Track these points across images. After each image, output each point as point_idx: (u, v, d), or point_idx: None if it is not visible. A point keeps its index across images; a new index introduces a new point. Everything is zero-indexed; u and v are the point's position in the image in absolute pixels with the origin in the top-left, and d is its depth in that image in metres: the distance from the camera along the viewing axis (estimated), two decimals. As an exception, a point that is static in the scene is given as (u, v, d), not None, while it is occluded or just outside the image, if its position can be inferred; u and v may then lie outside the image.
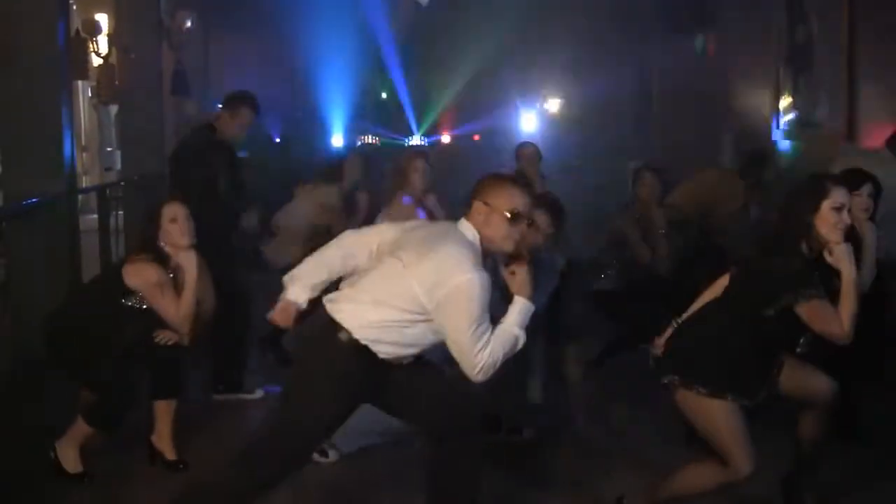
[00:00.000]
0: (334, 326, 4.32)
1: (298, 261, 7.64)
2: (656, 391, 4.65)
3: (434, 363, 4.69)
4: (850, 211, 4.54)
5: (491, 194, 4.44)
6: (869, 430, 6.17)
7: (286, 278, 4.67)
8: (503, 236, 4.41)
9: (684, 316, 4.76)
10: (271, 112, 18.65)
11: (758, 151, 9.05)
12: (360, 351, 4.31)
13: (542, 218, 6.11)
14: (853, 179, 5.56)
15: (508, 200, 4.41)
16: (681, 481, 4.63)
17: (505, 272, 4.46)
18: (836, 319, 4.40)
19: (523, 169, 8.68)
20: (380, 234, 4.69)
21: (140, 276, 5.63)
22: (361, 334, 4.29)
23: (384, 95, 21.39)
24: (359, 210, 8.19)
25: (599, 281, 7.45)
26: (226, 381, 7.29)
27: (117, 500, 5.39)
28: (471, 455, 4.59)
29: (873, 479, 5.58)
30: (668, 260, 7.49)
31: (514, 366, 6.12)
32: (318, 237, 8.01)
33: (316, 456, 5.61)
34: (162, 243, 5.71)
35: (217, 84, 17.61)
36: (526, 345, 4.43)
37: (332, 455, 5.83)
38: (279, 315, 4.58)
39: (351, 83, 19.17)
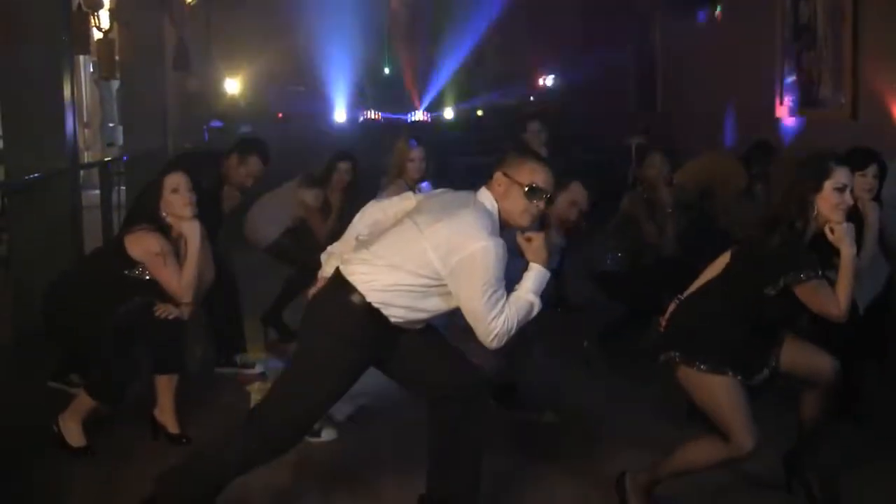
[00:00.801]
0: (346, 289, 4.33)
1: (276, 241, 7.74)
2: (659, 369, 4.66)
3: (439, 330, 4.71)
4: (852, 191, 4.54)
5: (513, 167, 4.45)
6: (871, 410, 6.17)
7: (323, 256, 4.73)
8: (521, 210, 4.41)
9: (686, 293, 4.76)
10: (273, 87, 18.68)
11: (764, 141, 9.05)
12: (372, 314, 4.32)
13: (580, 193, 6.09)
14: (859, 159, 5.56)
15: (529, 175, 4.41)
16: (682, 458, 4.63)
17: (520, 238, 4.45)
18: (833, 300, 4.41)
19: (528, 143, 8.66)
20: (402, 201, 4.71)
21: (142, 245, 5.63)
22: (374, 298, 4.30)
23: (387, 70, 21.34)
24: (333, 209, 8.22)
25: (606, 263, 7.45)
26: (227, 355, 7.31)
27: (120, 473, 5.39)
28: (475, 420, 4.60)
29: (874, 459, 5.58)
30: (675, 240, 7.48)
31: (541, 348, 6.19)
32: (295, 224, 8.13)
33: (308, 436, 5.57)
34: (164, 213, 5.70)
35: (219, 59, 17.57)
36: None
37: (325, 434, 5.78)
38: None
39: (353, 58, 19.11)
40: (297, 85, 19.00)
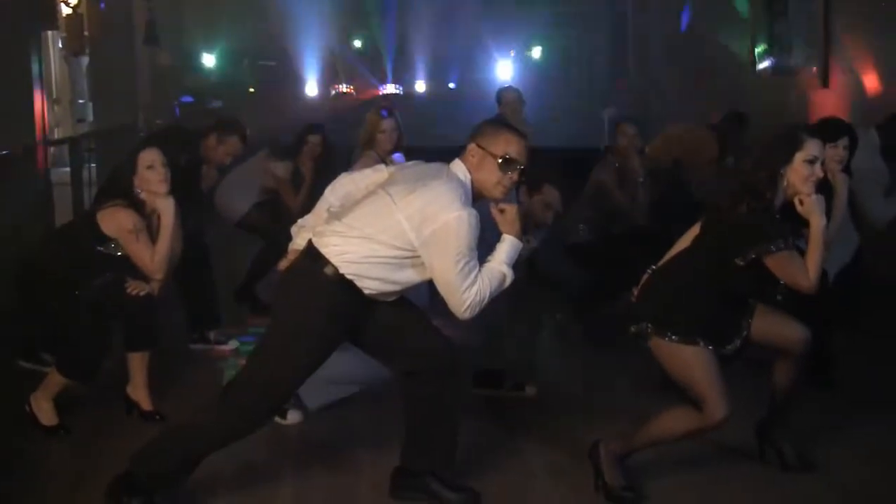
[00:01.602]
0: (320, 261, 4.32)
1: (247, 214, 7.72)
2: (633, 340, 4.66)
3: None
4: (823, 163, 4.54)
5: (487, 138, 4.44)
6: (843, 377, 6.20)
7: (293, 228, 4.73)
8: (494, 182, 4.41)
9: (658, 264, 4.76)
10: (245, 61, 18.59)
11: (735, 112, 9.07)
12: (345, 286, 4.31)
13: (552, 194, 6.11)
14: (831, 130, 5.57)
15: (503, 146, 4.40)
16: (656, 427, 4.64)
17: (494, 210, 4.45)
18: (802, 271, 4.42)
19: (505, 114, 8.64)
20: (374, 173, 4.69)
21: (115, 221, 5.59)
22: (347, 269, 4.29)
23: (358, 43, 21.25)
24: (304, 181, 8.21)
25: (578, 233, 7.45)
26: (200, 331, 7.29)
27: (94, 451, 5.37)
28: (450, 393, 4.62)
29: (846, 426, 5.61)
30: (646, 209, 7.49)
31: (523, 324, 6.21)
32: (266, 198, 8.11)
33: (276, 417, 5.51)
34: (138, 189, 5.66)
35: (190, 33, 17.45)
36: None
37: (292, 416, 5.73)
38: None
39: (325, 31, 19.03)
40: (268, 59, 18.91)
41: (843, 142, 5.73)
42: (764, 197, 4.45)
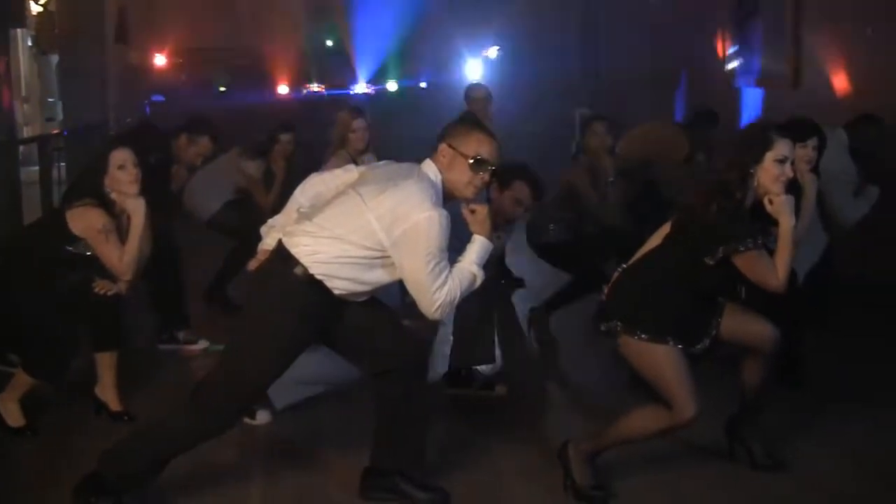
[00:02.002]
0: (290, 261, 4.30)
1: (217, 213, 7.69)
2: (603, 339, 4.67)
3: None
4: (793, 163, 4.56)
5: (458, 138, 4.44)
6: (813, 376, 6.23)
7: (263, 229, 4.72)
8: (465, 182, 4.41)
9: (629, 263, 4.77)
10: (216, 60, 18.52)
11: (706, 108, 9.09)
12: (315, 286, 4.30)
13: (523, 191, 6.11)
14: (800, 130, 5.60)
15: (475, 146, 4.40)
16: (625, 426, 4.65)
17: (465, 210, 4.45)
18: (771, 271, 4.44)
19: (473, 111, 8.63)
20: (344, 173, 4.68)
21: (84, 220, 5.55)
22: (318, 270, 4.28)
23: (329, 43, 21.22)
24: (276, 180, 8.20)
25: (549, 233, 7.45)
26: (169, 331, 7.25)
27: (62, 452, 5.34)
28: (419, 393, 4.63)
29: (815, 424, 5.64)
30: (617, 208, 7.49)
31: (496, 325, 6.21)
32: (237, 197, 8.09)
33: (245, 418, 5.47)
34: (108, 189, 5.63)
35: (161, 32, 17.39)
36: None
37: (261, 416, 5.69)
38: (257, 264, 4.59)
39: (296, 30, 18.99)
40: (240, 57, 18.87)
41: (813, 142, 5.75)
42: (734, 197, 4.46)
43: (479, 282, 4.39)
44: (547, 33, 16.92)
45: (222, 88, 18.40)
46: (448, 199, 4.41)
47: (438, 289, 4.22)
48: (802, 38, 10.05)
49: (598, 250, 7.09)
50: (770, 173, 4.48)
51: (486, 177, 4.44)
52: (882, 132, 6.70)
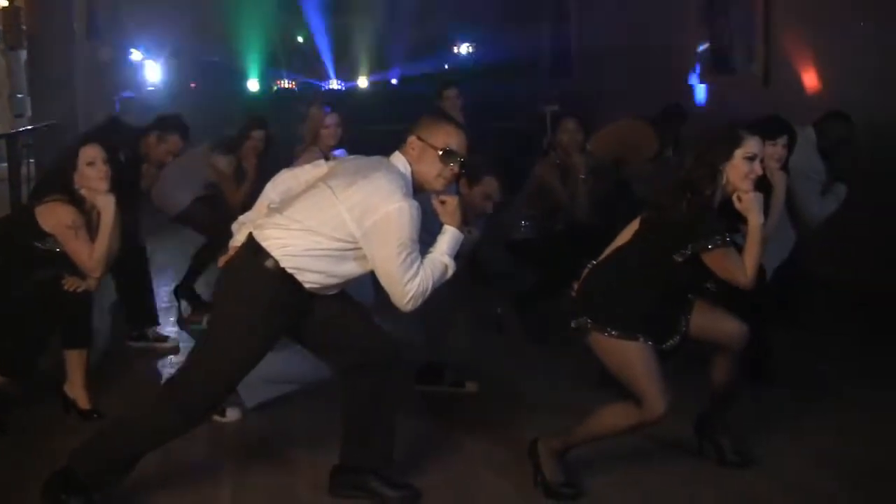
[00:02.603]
0: (260, 254, 4.30)
1: (187, 209, 7.66)
2: (574, 336, 4.67)
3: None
4: (762, 160, 4.58)
5: (427, 130, 4.46)
6: (783, 373, 6.27)
7: (234, 225, 4.70)
8: (435, 174, 4.44)
9: (598, 259, 4.78)
10: (186, 57, 18.43)
11: (675, 106, 9.12)
12: (286, 279, 4.30)
13: (493, 185, 6.12)
14: (771, 129, 5.62)
15: (444, 138, 4.43)
16: (595, 423, 4.65)
17: (435, 201, 4.46)
18: (740, 268, 4.46)
19: (446, 111, 8.62)
20: (314, 168, 4.69)
21: (54, 217, 5.53)
22: (288, 263, 4.28)
23: (300, 39, 21.17)
24: (247, 177, 8.17)
25: (519, 230, 7.45)
26: (139, 329, 7.22)
27: (31, 451, 5.30)
28: (389, 389, 4.63)
29: (785, 421, 5.67)
30: (588, 206, 7.50)
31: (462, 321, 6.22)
32: (207, 192, 8.07)
33: (214, 415, 5.48)
34: (78, 186, 5.60)
35: (131, 27, 17.27)
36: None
37: (231, 414, 5.69)
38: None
39: (266, 27, 18.94)
40: (210, 54, 18.79)
41: (783, 140, 5.79)
42: (703, 194, 4.47)
43: (450, 272, 4.40)
44: (520, 28, 16.90)
45: (192, 85, 18.34)
46: (418, 192, 4.43)
47: (410, 280, 4.23)
48: (773, 36, 10.09)
49: (569, 247, 7.09)
50: (739, 170, 4.50)
51: (456, 168, 4.46)
52: (851, 130, 6.73)
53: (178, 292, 8.26)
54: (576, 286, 4.76)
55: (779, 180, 5.39)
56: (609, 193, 7.84)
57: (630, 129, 8.77)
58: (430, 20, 19.38)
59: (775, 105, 7.25)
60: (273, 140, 8.35)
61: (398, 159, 4.45)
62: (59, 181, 5.68)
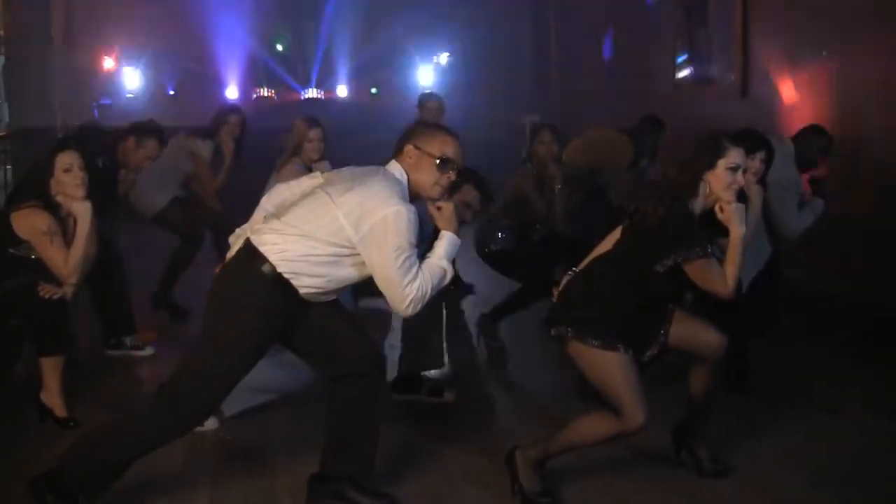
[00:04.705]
0: (257, 259, 4.29)
1: (164, 209, 7.61)
2: (553, 345, 4.68)
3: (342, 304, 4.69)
4: (744, 172, 4.60)
5: (423, 139, 4.48)
6: (760, 383, 6.30)
7: (231, 238, 4.66)
8: (431, 182, 4.46)
9: (579, 267, 4.78)
10: (164, 64, 18.38)
11: (651, 116, 9.15)
12: (282, 285, 4.29)
13: (471, 194, 6.13)
14: (750, 142, 5.66)
15: (440, 146, 4.46)
16: (574, 433, 4.65)
17: (431, 208, 4.47)
18: (720, 278, 4.48)
19: (426, 120, 8.63)
20: (309, 179, 4.70)
21: (29, 223, 5.52)
22: (285, 268, 4.28)
23: (280, 47, 21.15)
24: (224, 161, 8.27)
25: (496, 240, 7.45)
26: (117, 337, 7.18)
27: (6, 457, 5.26)
28: (374, 398, 4.61)
29: (762, 430, 5.68)
30: (564, 216, 7.51)
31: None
32: (184, 194, 8.06)
33: None
34: (54, 192, 5.58)
35: (109, 34, 17.24)
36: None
37: (209, 422, 5.57)
38: None
39: (245, 34, 18.92)
40: (190, 61, 18.75)
41: (761, 155, 5.84)
42: (684, 203, 4.49)
43: (448, 277, 4.42)
44: (499, 40, 16.93)
45: (171, 92, 18.30)
46: (413, 200, 4.43)
47: (409, 283, 4.23)
48: (751, 48, 10.14)
49: (546, 257, 7.10)
50: (722, 180, 4.51)
51: (453, 176, 4.49)
52: (829, 144, 6.77)
53: (156, 300, 8.23)
54: (556, 291, 4.77)
55: (755, 194, 5.42)
56: (585, 203, 7.85)
57: (604, 138, 8.77)
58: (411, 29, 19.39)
59: (753, 116, 7.30)
60: (247, 126, 8.42)
61: (394, 167, 4.47)
62: (35, 187, 5.66)
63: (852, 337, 7.50)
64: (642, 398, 4.44)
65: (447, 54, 19.70)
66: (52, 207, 5.58)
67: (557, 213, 7.45)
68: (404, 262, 4.21)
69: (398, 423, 5.71)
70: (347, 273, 4.38)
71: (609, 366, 4.49)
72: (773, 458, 5.31)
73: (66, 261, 5.55)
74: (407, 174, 4.45)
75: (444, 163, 4.44)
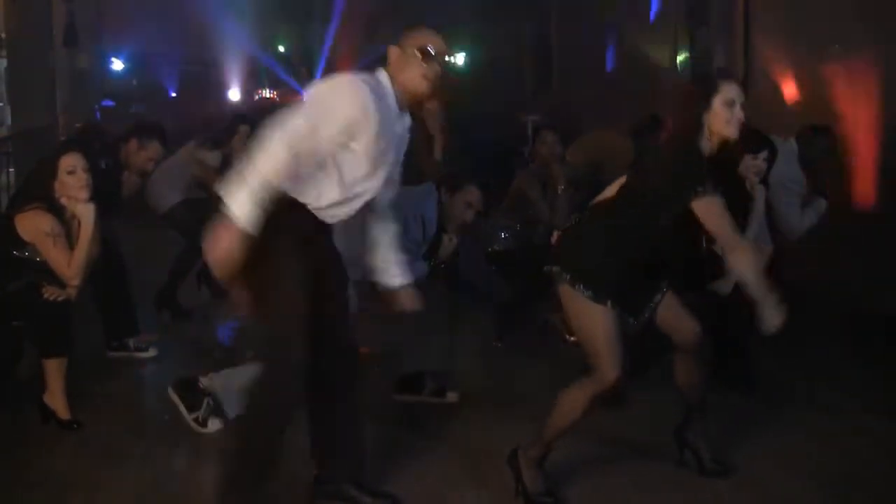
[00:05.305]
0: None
1: (174, 208, 7.63)
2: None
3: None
4: (742, 107, 4.52)
5: (404, 38, 4.41)
6: (762, 383, 6.31)
7: None
8: (420, 75, 4.33)
9: (583, 215, 4.75)
10: (167, 66, 18.40)
11: (652, 116, 9.15)
12: (296, 206, 4.22)
13: (473, 193, 6.14)
14: (753, 143, 5.66)
15: (420, 39, 4.37)
16: (558, 414, 4.61)
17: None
18: (727, 222, 4.39)
19: (425, 121, 8.63)
20: None
21: (33, 225, 5.53)
22: (286, 186, 4.12)
23: (282, 48, 21.15)
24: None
25: (499, 240, 7.46)
26: (120, 339, 7.19)
27: (9, 459, 5.27)
28: (356, 396, 4.61)
29: (764, 429, 5.69)
30: (568, 216, 7.52)
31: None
32: (195, 196, 8.08)
33: (195, 426, 5.52)
34: (58, 194, 5.59)
35: (111, 35, 17.25)
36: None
37: (213, 424, 5.61)
38: None
39: (248, 36, 18.92)
40: (191, 63, 18.77)
41: (764, 154, 5.84)
42: (690, 143, 4.44)
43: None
44: (500, 40, 16.95)
45: (174, 94, 18.32)
46: (409, 105, 4.41)
47: (273, 144, 4.01)
48: (753, 47, 10.14)
49: (548, 259, 7.10)
50: (721, 117, 4.44)
51: (439, 67, 4.38)
52: (833, 143, 6.77)
53: (159, 301, 8.24)
54: (556, 235, 4.76)
55: (758, 193, 5.43)
56: (586, 203, 7.86)
57: (607, 138, 8.79)
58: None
59: (754, 114, 7.27)
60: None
61: (381, 74, 4.39)
62: (38, 189, 5.67)
63: (852, 337, 7.51)
64: (618, 356, 4.41)
65: (457, 53, 19.67)
66: (56, 209, 5.59)
67: (560, 214, 7.47)
68: (300, 127, 4.05)
69: (401, 424, 5.72)
70: (350, 169, 4.25)
71: (594, 317, 4.45)
72: (773, 458, 5.32)
73: (70, 263, 5.56)
74: (394, 78, 4.37)
75: (428, 53, 4.34)
